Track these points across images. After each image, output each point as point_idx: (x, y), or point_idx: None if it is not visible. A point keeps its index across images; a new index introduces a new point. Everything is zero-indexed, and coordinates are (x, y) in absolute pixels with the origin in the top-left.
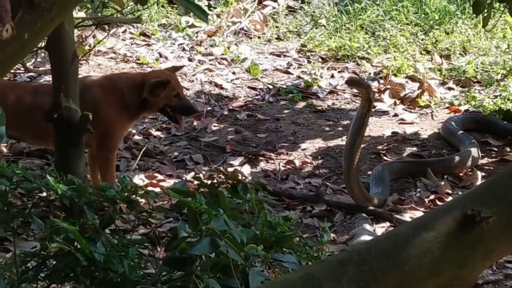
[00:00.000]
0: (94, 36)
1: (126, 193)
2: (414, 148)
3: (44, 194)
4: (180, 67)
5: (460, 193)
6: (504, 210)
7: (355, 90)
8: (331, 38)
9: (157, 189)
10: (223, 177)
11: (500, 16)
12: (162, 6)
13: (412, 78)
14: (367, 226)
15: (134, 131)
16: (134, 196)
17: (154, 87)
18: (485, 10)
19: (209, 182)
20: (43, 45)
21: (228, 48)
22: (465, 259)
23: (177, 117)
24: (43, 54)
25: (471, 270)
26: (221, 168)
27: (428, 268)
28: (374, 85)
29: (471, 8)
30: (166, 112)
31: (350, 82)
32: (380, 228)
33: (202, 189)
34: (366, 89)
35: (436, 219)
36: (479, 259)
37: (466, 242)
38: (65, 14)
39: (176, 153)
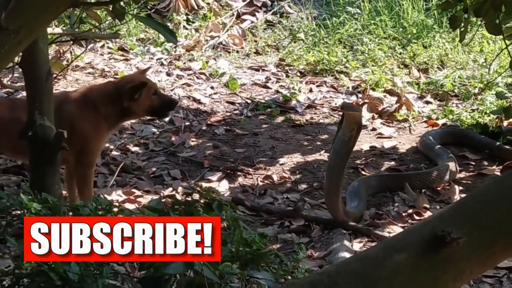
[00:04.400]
0: (71, 52)
1: (101, 212)
2: (392, 162)
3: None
4: (147, 69)
5: (438, 207)
6: (474, 231)
7: (333, 105)
8: (309, 52)
9: (135, 205)
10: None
11: (477, 30)
12: (140, 21)
13: (390, 92)
14: (346, 242)
15: (112, 147)
16: (108, 214)
17: (133, 92)
18: (462, 25)
19: (184, 199)
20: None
21: (207, 62)
22: (435, 280)
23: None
24: (20, 70)
25: None
26: (197, 184)
27: None
28: (353, 99)
29: (448, 22)
30: (150, 112)
31: (346, 107)
32: (358, 243)
33: (177, 207)
34: (359, 113)
35: (406, 240)
36: (449, 280)
37: (437, 263)
38: (33, 36)
39: (154, 169)
